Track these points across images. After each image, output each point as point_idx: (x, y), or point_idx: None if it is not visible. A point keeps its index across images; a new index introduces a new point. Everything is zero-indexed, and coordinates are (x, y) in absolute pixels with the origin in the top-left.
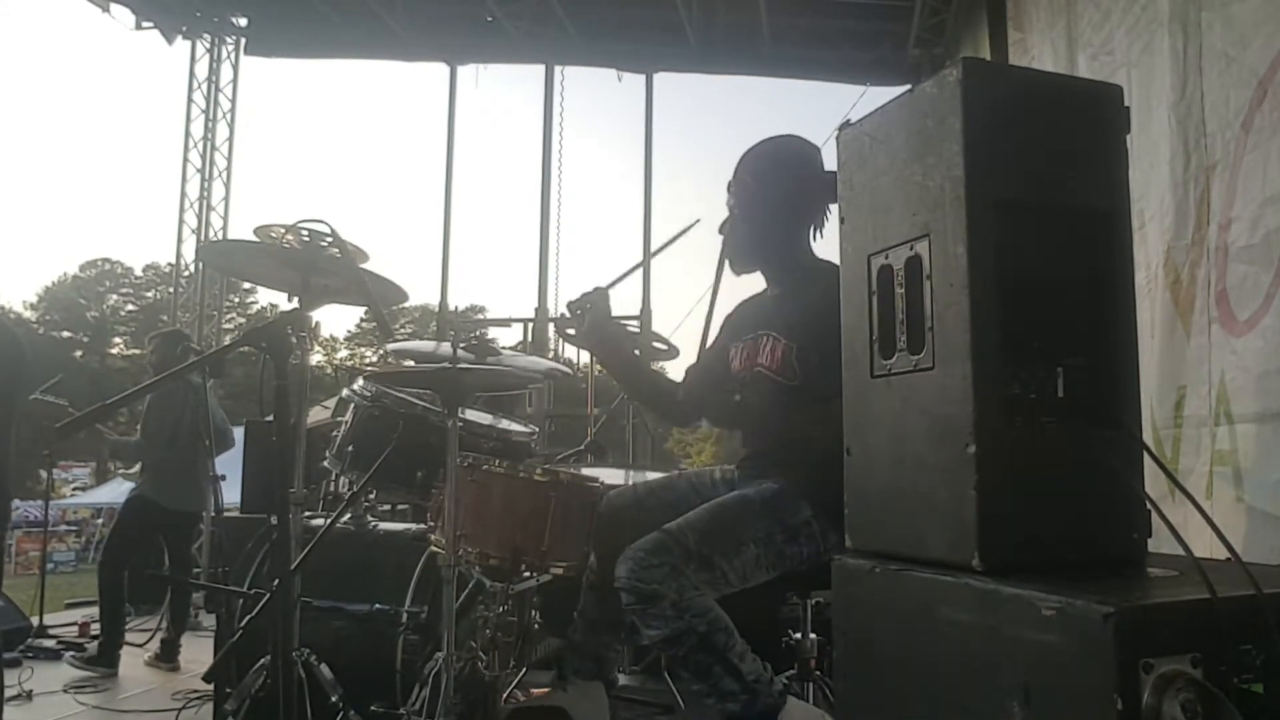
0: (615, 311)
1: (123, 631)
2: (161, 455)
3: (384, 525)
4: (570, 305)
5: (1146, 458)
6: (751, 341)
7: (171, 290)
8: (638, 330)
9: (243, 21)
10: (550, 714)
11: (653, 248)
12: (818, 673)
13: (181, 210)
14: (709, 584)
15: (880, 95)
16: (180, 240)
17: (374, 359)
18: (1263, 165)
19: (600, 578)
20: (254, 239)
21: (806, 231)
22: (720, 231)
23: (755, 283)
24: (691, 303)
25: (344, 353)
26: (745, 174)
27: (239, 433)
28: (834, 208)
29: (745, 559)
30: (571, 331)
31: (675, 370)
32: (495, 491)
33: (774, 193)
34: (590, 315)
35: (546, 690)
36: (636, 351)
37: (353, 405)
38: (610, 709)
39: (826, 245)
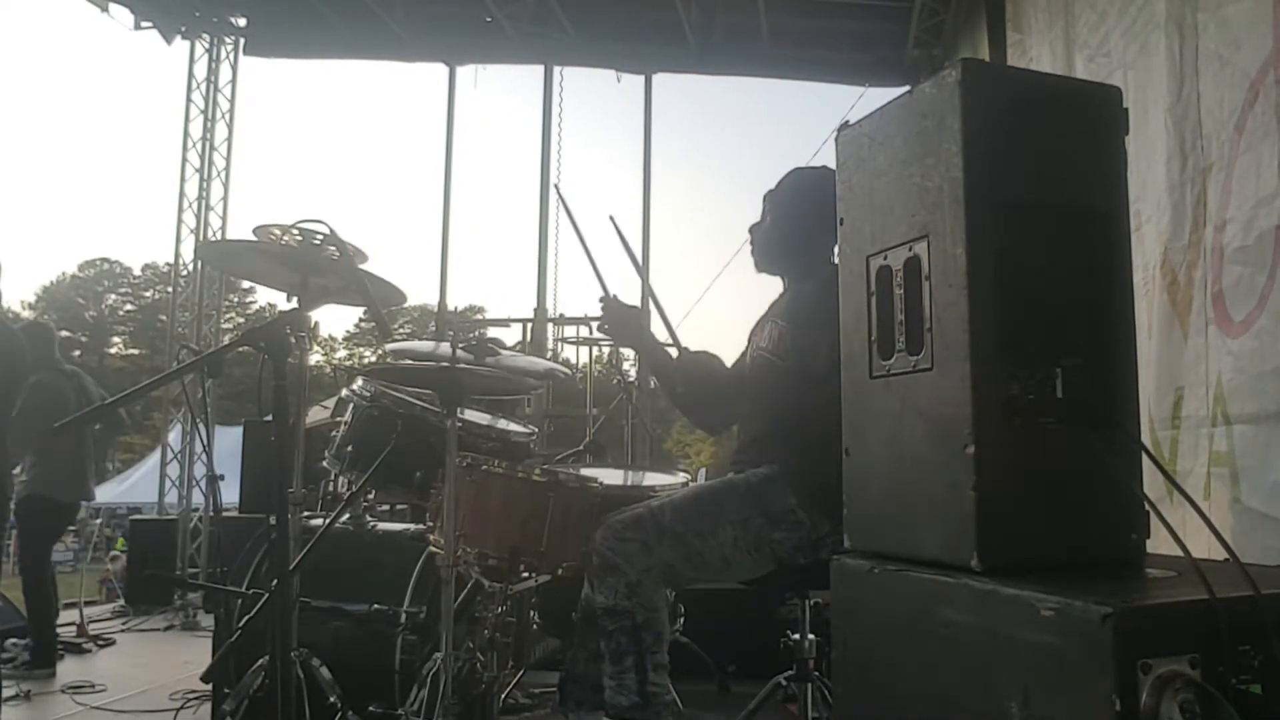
0: None
1: (55, 629)
2: (42, 448)
3: (383, 525)
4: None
5: (1145, 459)
6: (759, 332)
7: (170, 290)
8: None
9: (242, 22)
10: None
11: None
12: (816, 673)
13: (180, 210)
14: (686, 560)
15: (879, 96)
16: (179, 240)
17: (373, 359)
18: (1255, 167)
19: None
20: (253, 239)
21: (828, 247)
22: (750, 231)
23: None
24: (690, 303)
25: (342, 353)
26: (786, 188)
27: (237, 433)
28: None
29: (722, 539)
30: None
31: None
32: (494, 492)
33: (806, 210)
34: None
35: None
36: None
37: (352, 405)
38: None
39: None
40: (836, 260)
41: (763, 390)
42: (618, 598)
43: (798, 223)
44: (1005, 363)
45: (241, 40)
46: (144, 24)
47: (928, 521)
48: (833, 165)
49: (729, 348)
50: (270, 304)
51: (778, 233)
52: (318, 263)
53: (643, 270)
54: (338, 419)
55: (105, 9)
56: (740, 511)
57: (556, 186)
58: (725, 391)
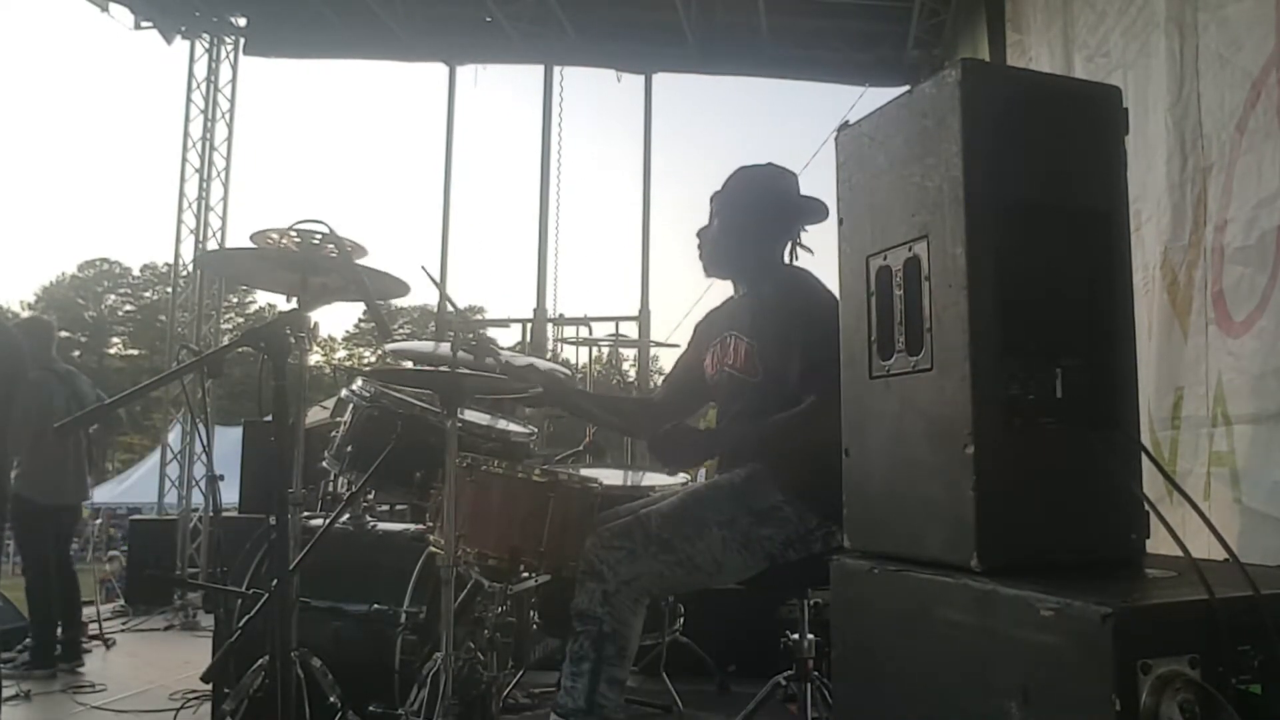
0: (616, 311)
1: (53, 632)
2: (30, 448)
3: (383, 525)
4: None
5: (1145, 459)
6: (720, 343)
7: (169, 290)
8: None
9: (242, 21)
10: None
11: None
12: (816, 673)
13: (180, 210)
14: (676, 566)
15: (879, 96)
16: (178, 240)
17: (372, 359)
18: (1257, 167)
19: None
20: (251, 245)
21: (779, 247)
22: (698, 235)
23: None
24: (690, 303)
25: (342, 353)
26: (730, 189)
27: (237, 433)
28: (811, 227)
29: (710, 541)
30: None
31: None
32: (494, 492)
33: (751, 209)
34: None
35: (542, 694)
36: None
37: (351, 405)
38: None
39: (823, 261)
40: (788, 260)
41: (733, 404)
42: (592, 603)
43: (746, 224)
44: (1005, 363)
45: (241, 40)
46: (144, 24)
47: (928, 521)
48: (827, 165)
49: None
50: (270, 304)
51: (725, 236)
52: (317, 262)
53: (453, 304)
54: (337, 419)
55: (105, 9)
56: (726, 511)
57: (424, 268)
58: (660, 416)
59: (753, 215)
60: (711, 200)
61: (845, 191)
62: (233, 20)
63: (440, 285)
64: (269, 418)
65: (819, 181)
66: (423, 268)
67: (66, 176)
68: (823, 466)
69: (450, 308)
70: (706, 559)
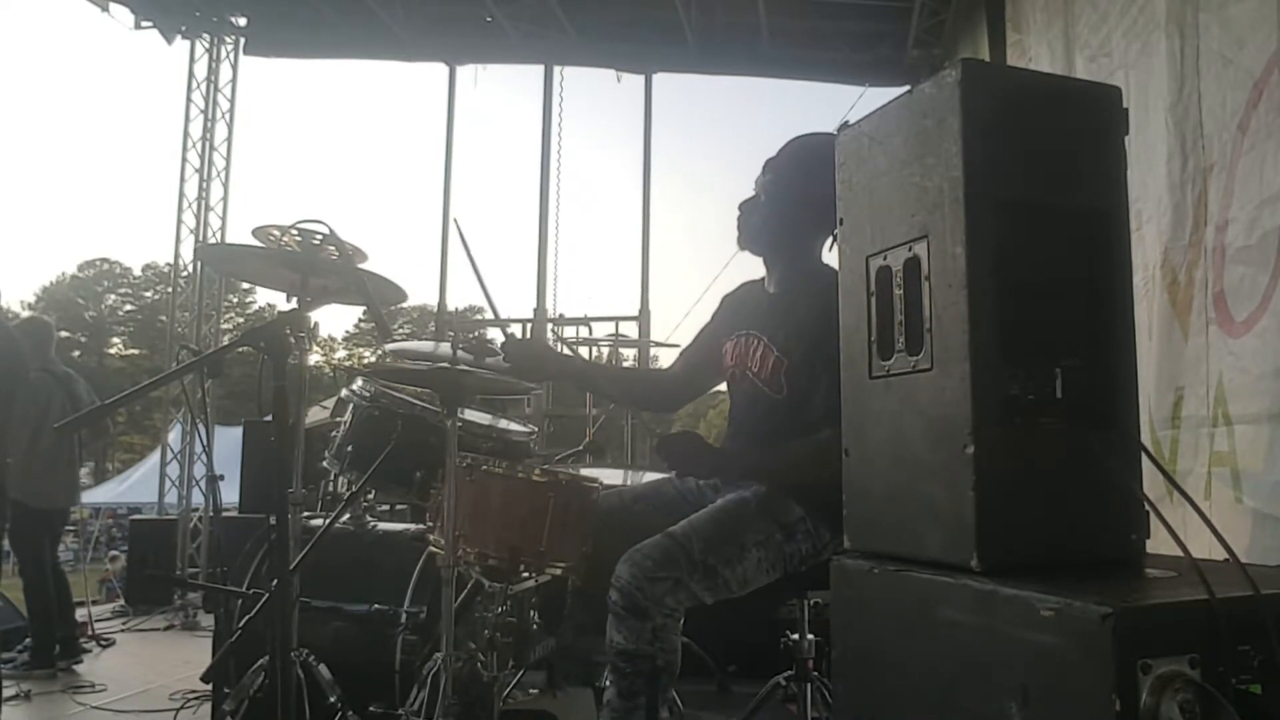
0: (616, 311)
1: (52, 632)
2: (23, 451)
3: (383, 525)
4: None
5: (1145, 459)
6: (744, 340)
7: (170, 290)
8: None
9: (242, 21)
10: (538, 718)
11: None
12: (816, 673)
13: (180, 210)
14: (710, 590)
15: (879, 96)
16: (179, 240)
17: (372, 359)
18: (1259, 166)
19: (588, 581)
20: (252, 240)
21: (822, 237)
22: (740, 208)
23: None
24: (690, 303)
25: (342, 353)
26: (785, 159)
27: (237, 433)
28: None
29: (748, 564)
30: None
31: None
32: (494, 492)
33: (806, 188)
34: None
35: (537, 693)
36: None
37: (351, 405)
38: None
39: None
40: (830, 258)
41: (747, 408)
42: (640, 642)
43: (794, 208)
44: (1005, 363)
45: (241, 40)
46: (144, 24)
47: (927, 522)
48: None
49: None
50: (270, 304)
51: (771, 217)
52: (317, 263)
53: (481, 277)
54: (337, 419)
55: (105, 9)
56: (761, 529)
57: (456, 221)
58: (671, 391)
59: (804, 201)
60: (765, 168)
61: (845, 191)
62: (233, 20)
63: (468, 248)
64: (269, 418)
65: None
66: (454, 220)
67: (66, 176)
68: (834, 485)
69: (476, 276)
70: (738, 582)
